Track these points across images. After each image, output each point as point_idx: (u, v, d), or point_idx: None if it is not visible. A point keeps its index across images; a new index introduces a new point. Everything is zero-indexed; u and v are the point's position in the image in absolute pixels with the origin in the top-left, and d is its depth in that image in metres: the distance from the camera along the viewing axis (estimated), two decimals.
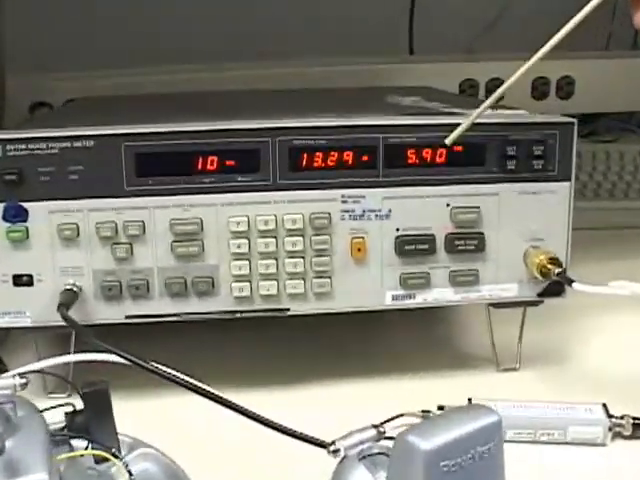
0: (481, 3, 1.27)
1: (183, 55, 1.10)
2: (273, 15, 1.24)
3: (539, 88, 1.22)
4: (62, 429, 0.50)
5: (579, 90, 1.23)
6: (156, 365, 0.52)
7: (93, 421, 0.49)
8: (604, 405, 0.61)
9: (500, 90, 0.62)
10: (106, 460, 0.48)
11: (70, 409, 0.50)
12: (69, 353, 0.63)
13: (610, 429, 0.60)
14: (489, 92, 1.20)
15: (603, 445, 0.60)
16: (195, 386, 0.51)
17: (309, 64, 1.18)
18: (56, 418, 0.50)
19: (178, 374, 0.52)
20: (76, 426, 0.50)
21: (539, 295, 0.68)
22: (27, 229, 0.62)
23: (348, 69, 1.19)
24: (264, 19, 1.23)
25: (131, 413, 0.61)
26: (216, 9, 1.22)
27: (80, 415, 0.50)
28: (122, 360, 0.52)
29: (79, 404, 0.49)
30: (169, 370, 0.52)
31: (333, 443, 0.48)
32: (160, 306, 0.64)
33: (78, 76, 1.10)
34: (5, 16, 0.91)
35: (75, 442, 0.50)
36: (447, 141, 0.63)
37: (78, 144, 0.61)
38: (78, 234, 0.62)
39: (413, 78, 1.13)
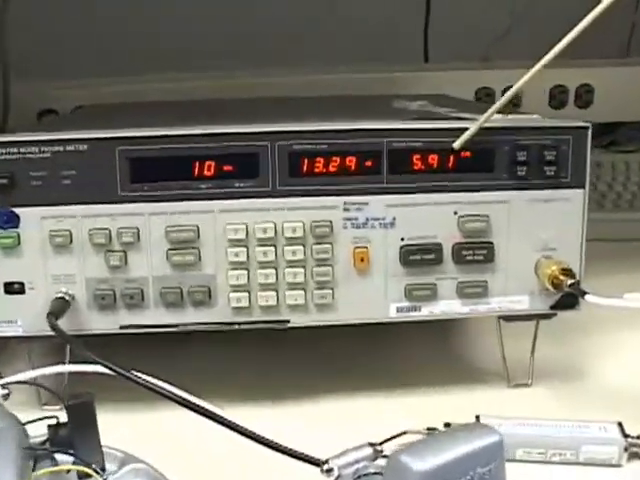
0: (497, 10, 1.25)
1: (192, 61, 1.09)
2: (286, 22, 1.22)
3: (557, 97, 1.19)
4: (45, 442, 0.49)
5: (598, 99, 1.20)
6: (143, 377, 0.50)
7: (77, 434, 0.48)
8: (619, 424, 0.59)
9: (510, 93, 0.59)
10: (89, 476, 0.46)
11: (54, 422, 0.49)
12: (64, 363, 0.61)
13: (626, 449, 0.58)
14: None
15: (618, 466, 0.58)
16: (184, 399, 0.49)
17: (321, 71, 1.16)
18: (41, 431, 0.49)
19: (167, 387, 0.50)
20: (59, 439, 0.49)
21: (552, 308, 0.66)
22: (18, 235, 0.60)
23: (362, 77, 1.17)
24: (279, 26, 1.22)
25: (126, 426, 0.61)
26: (224, 15, 1.20)
27: (64, 428, 0.49)
28: (108, 371, 0.50)
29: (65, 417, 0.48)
30: (158, 382, 0.50)
31: (326, 462, 0.45)
32: (155, 316, 0.62)
33: (86, 83, 1.09)
34: (9, 24, 0.90)
35: (60, 456, 0.49)
36: (455, 145, 0.61)
37: (71, 148, 0.59)
38: (71, 241, 0.61)
39: (428, 86, 1.11)
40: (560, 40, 0.61)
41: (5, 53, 0.90)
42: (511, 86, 1.15)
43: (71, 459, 0.48)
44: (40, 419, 0.50)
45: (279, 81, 1.12)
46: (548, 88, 1.20)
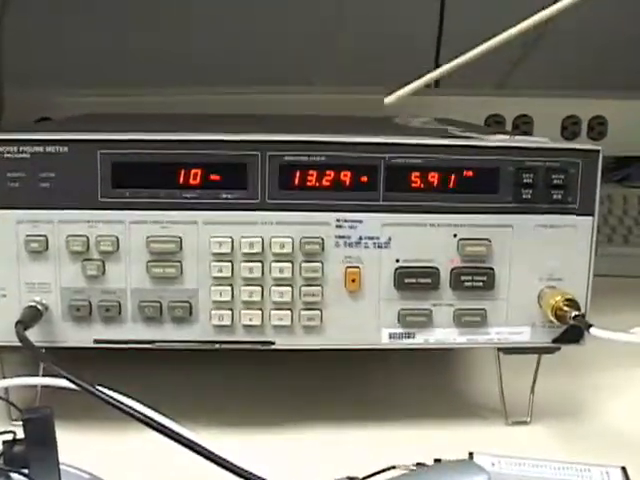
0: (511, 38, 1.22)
1: (193, 75, 1.07)
2: (295, 41, 1.20)
3: (569, 128, 1.17)
4: None
5: (612, 131, 1.17)
6: (111, 394, 0.46)
7: (33, 452, 0.45)
8: (623, 469, 0.55)
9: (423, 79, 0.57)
10: None
11: (10, 437, 0.46)
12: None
13: None
14: (516, 128, 1.14)
15: None
16: (153, 421, 0.46)
17: (328, 92, 1.14)
18: None
19: (137, 406, 0.46)
20: (14, 457, 0.46)
21: (554, 341, 0.62)
22: None
23: (370, 98, 1.14)
24: (287, 44, 1.20)
25: (97, 445, 0.59)
26: (230, 30, 1.18)
27: (19, 445, 0.46)
28: (73, 386, 0.47)
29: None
30: (127, 401, 0.47)
31: None
32: (132, 331, 0.59)
33: (84, 93, 1.07)
34: (6, 31, 0.89)
35: (14, 475, 0.46)
36: (387, 100, 0.58)
37: (50, 149, 0.57)
38: (47, 247, 0.58)
39: (438, 111, 1.08)
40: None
41: (1, 60, 0.88)
42: (523, 114, 1.15)
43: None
44: None
45: (285, 99, 1.10)
46: (560, 119, 1.17)
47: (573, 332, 0.61)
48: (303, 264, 0.59)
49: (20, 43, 1.03)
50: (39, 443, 0.45)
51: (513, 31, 0.56)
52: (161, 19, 1.17)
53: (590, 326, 0.56)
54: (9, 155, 0.57)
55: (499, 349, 0.64)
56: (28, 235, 0.58)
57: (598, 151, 0.60)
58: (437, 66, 1.26)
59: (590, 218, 0.61)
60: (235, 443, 0.57)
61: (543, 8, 0.56)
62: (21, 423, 0.46)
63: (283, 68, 1.15)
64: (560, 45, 1.19)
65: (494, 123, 1.15)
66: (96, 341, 0.59)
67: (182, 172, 0.57)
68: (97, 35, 1.14)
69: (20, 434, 0.46)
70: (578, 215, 0.60)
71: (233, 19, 1.18)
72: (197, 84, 1.09)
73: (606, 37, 1.15)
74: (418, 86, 0.58)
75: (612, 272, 0.97)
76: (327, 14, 1.23)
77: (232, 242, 0.58)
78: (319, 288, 0.59)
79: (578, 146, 0.60)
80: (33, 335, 0.56)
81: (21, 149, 0.57)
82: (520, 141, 0.61)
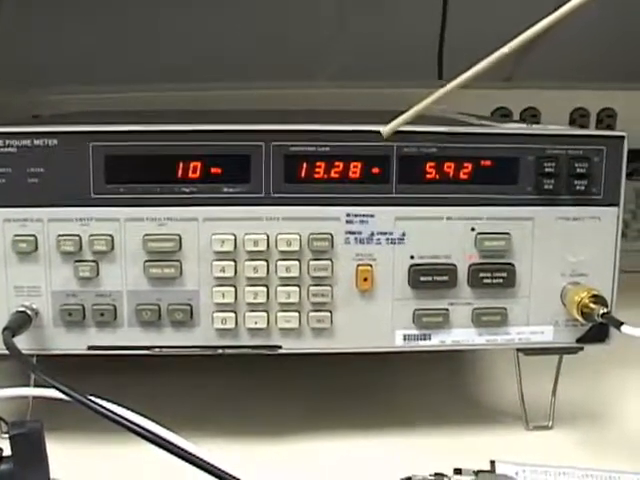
0: (516, 29, 1.20)
1: (196, 73, 1.04)
2: (298, 38, 1.18)
3: (577, 120, 1.14)
4: None
5: (621, 123, 1.14)
6: (106, 405, 0.43)
7: (22, 470, 0.43)
8: None
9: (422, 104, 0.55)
10: None
11: None
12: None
13: None
14: (523, 122, 1.11)
15: None
16: (150, 433, 0.42)
17: (332, 86, 1.11)
18: None
19: (133, 417, 0.43)
20: (0, 476, 0.42)
21: (578, 341, 0.59)
22: None
23: (372, 92, 1.11)
24: (290, 41, 1.18)
25: (93, 461, 0.56)
26: (236, 28, 1.17)
27: (7, 462, 0.42)
28: (63, 396, 0.43)
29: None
30: (122, 412, 0.43)
31: None
32: (129, 336, 0.56)
33: (79, 90, 1.05)
34: None
35: None
36: (384, 131, 0.55)
37: (39, 142, 0.54)
38: (36, 248, 0.55)
39: (441, 104, 1.05)
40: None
41: None
42: (530, 107, 1.12)
43: None
44: None
45: (288, 94, 1.07)
46: (568, 111, 1.14)
47: (599, 331, 0.59)
48: (311, 262, 0.56)
49: (10, 41, 1.00)
50: (28, 460, 0.42)
51: (514, 43, 0.53)
52: (159, 14, 1.15)
53: (621, 324, 0.53)
54: None
55: (519, 350, 0.61)
56: (16, 235, 0.55)
57: (623, 137, 0.57)
58: (440, 58, 1.25)
59: (615, 209, 0.58)
60: (239, 455, 0.55)
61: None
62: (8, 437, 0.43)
63: (286, 64, 1.13)
64: (567, 36, 1.16)
65: (501, 116, 1.12)
66: (90, 347, 0.56)
67: (181, 165, 0.54)
68: (90, 33, 1.12)
69: (8, 450, 0.43)
70: (603, 206, 0.58)
71: (239, 18, 1.16)
72: (194, 81, 1.07)
73: (615, 27, 1.12)
74: (416, 112, 0.54)
75: (625, 268, 0.94)
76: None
77: (235, 240, 0.55)
78: (328, 288, 0.56)
79: (602, 132, 0.58)
80: (22, 342, 0.53)
81: (7, 142, 0.54)
82: (540, 128, 0.58)
